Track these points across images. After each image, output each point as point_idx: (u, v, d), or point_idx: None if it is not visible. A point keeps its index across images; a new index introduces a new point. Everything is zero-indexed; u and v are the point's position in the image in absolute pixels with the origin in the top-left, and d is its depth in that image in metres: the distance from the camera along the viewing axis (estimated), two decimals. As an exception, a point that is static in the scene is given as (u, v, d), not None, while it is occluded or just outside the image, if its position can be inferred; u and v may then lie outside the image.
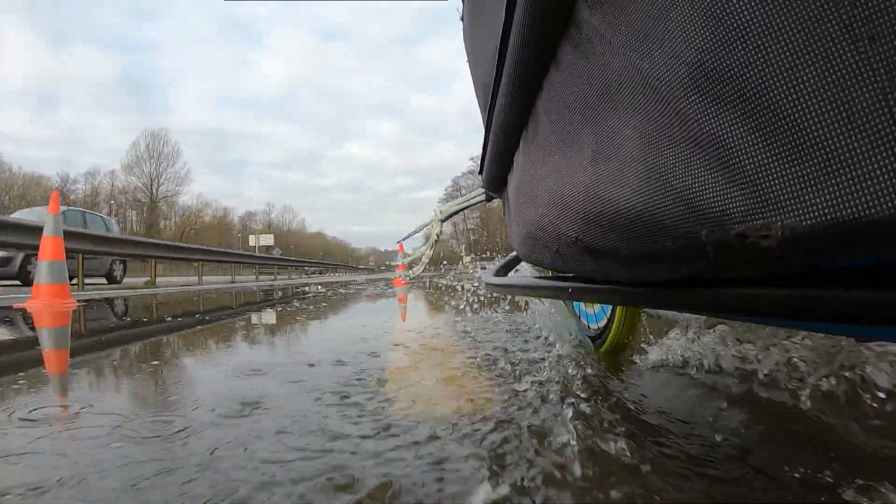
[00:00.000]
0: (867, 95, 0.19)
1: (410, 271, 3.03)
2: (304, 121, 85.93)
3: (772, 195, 0.23)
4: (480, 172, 1.20)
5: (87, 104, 59.06)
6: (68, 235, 5.90)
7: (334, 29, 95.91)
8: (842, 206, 0.20)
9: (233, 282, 12.96)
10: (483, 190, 1.75)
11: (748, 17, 0.23)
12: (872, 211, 0.19)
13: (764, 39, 0.23)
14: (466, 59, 1.25)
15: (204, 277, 13.20)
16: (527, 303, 2.43)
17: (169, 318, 2.84)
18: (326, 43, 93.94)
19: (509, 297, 2.03)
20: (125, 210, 40.26)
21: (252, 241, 35.85)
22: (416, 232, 3.01)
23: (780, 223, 0.23)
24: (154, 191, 40.31)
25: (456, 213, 2.85)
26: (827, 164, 0.21)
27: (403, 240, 3.04)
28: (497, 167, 0.98)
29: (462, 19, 1.27)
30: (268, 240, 37.01)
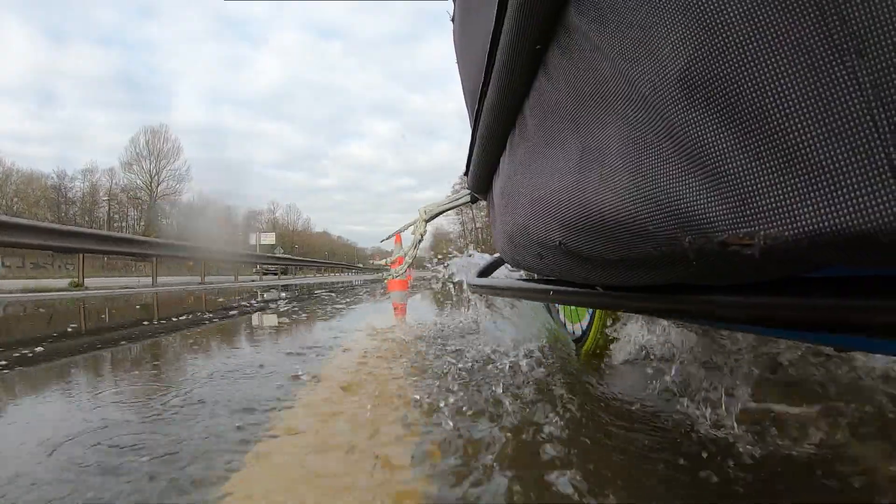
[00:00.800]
0: (852, 109, 0.19)
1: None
2: (304, 120, 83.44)
3: (755, 205, 0.24)
4: (466, 174, 1.20)
5: (85, 100, 56.19)
6: None
7: (333, 27, 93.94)
8: (824, 218, 0.20)
9: (202, 283, 10.68)
10: (469, 191, 1.75)
11: (738, 29, 0.24)
12: (854, 222, 0.19)
13: (754, 51, 0.23)
14: (456, 60, 1.25)
15: (171, 278, 11.04)
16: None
17: None
18: (326, 41, 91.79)
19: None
20: (126, 208, 38.46)
21: (252, 239, 34.43)
22: (401, 230, 2.98)
23: (762, 232, 0.23)
24: (154, 188, 38.65)
25: (441, 213, 2.84)
26: (811, 175, 0.21)
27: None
28: (483, 169, 0.98)
29: (453, 20, 1.26)
30: (269, 238, 35.77)
